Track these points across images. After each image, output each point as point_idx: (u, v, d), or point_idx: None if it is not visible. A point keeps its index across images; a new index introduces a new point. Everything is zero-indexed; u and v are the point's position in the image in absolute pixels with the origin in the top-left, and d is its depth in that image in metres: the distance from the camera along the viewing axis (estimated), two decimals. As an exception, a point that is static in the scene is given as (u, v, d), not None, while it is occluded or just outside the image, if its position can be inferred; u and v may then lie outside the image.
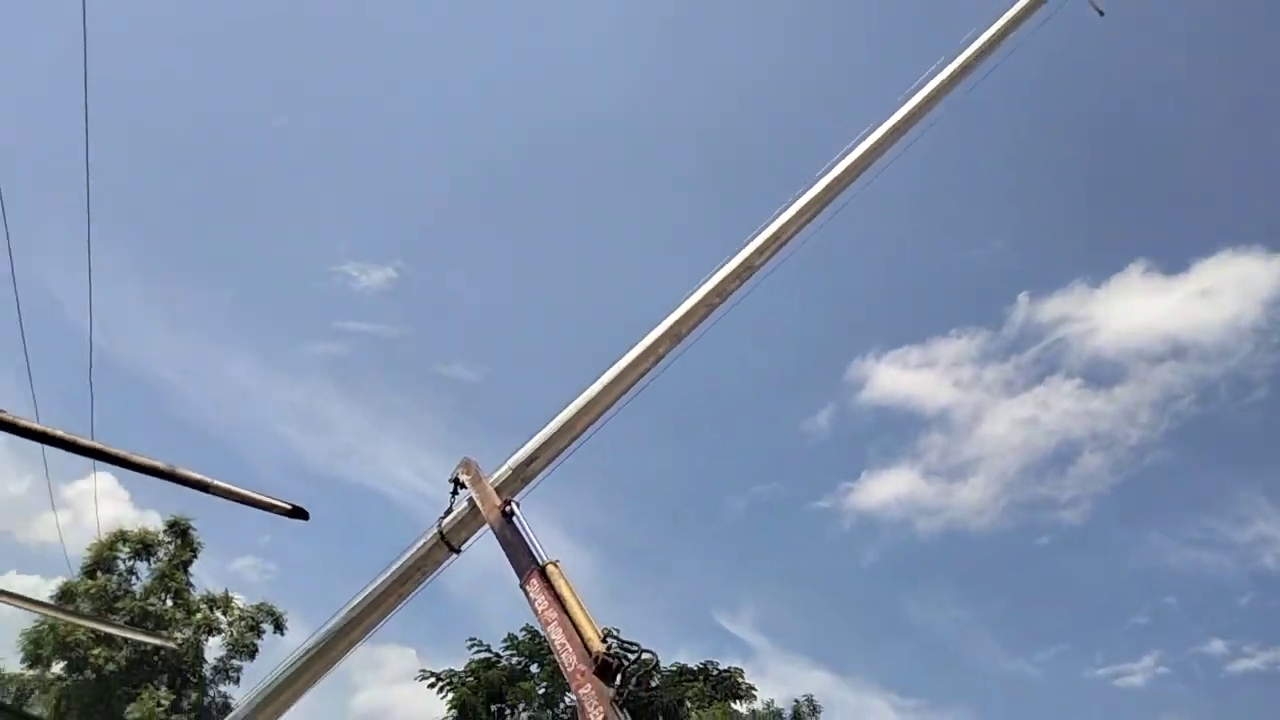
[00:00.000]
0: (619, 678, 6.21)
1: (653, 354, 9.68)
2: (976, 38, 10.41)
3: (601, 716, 5.87)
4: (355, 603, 9.58)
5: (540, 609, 7.05)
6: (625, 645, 6.38)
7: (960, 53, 10.10)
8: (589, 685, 6.15)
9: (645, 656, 6.34)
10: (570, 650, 6.51)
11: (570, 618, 6.79)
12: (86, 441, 3.36)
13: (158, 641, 16.53)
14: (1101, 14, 10.75)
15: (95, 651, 17.49)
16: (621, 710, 5.94)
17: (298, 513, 3.88)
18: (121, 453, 3.40)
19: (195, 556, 20.12)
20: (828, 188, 10.05)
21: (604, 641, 6.41)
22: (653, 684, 24.77)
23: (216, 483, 3.50)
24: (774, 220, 9.87)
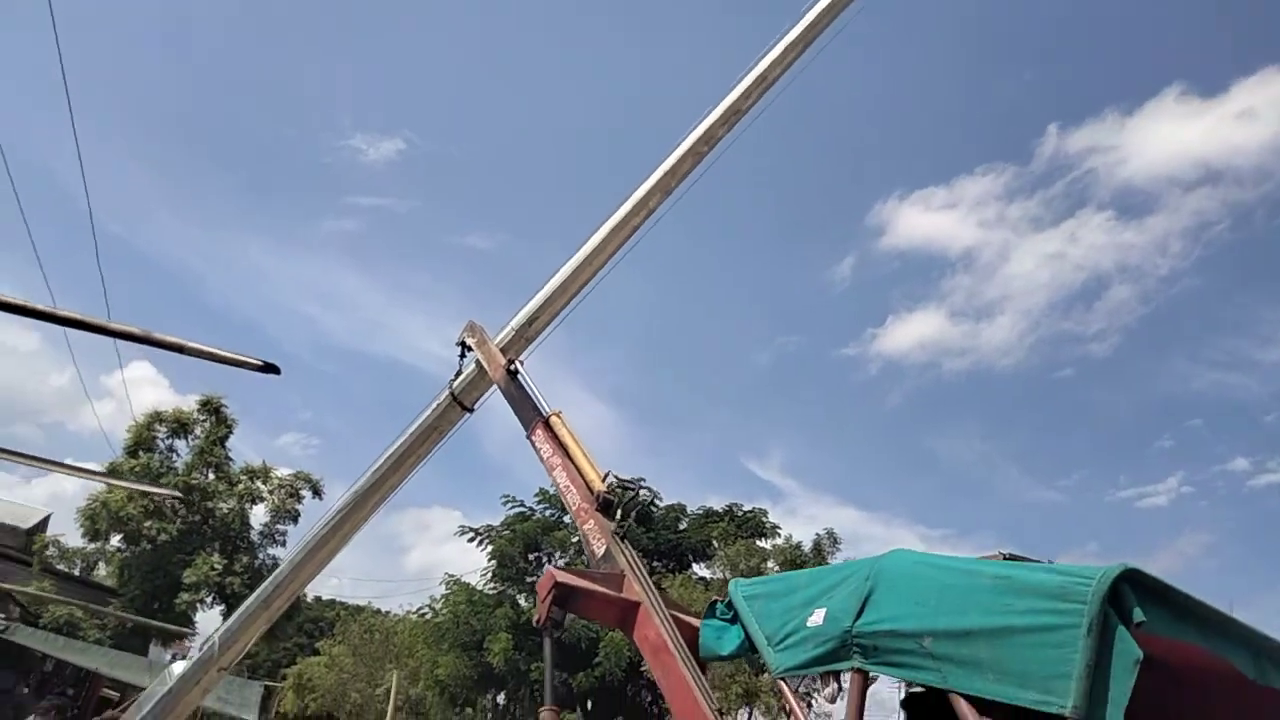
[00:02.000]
0: (619, 513, 6.62)
1: (643, 208, 9.69)
2: None
3: (604, 548, 6.30)
4: (379, 464, 10.10)
5: (545, 456, 7.43)
6: (625, 484, 6.74)
7: None
8: (592, 521, 6.57)
9: (643, 493, 6.73)
10: (574, 491, 6.91)
11: (573, 462, 7.18)
12: (62, 311, 3.58)
13: (163, 492, 17.69)
14: None
15: (147, 524, 18.59)
16: (622, 541, 6.35)
17: (269, 368, 4.13)
18: (99, 321, 3.63)
19: (230, 432, 21.01)
20: (814, 22, 9.75)
21: (604, 481, 6.79)
22: (652, 516, 25.83)
23: (190, 344, 3.73)
24: (759, 62, 9.65)
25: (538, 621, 5.77)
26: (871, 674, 3.15)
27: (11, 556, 21.64)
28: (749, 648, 3.71)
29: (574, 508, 6.90)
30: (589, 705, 24.46)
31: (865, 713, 3.17)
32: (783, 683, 3.57)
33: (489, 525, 27.38)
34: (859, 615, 3.14)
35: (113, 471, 19.11)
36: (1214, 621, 2.74)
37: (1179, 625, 2.64)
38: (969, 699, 2.80)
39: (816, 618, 3.30)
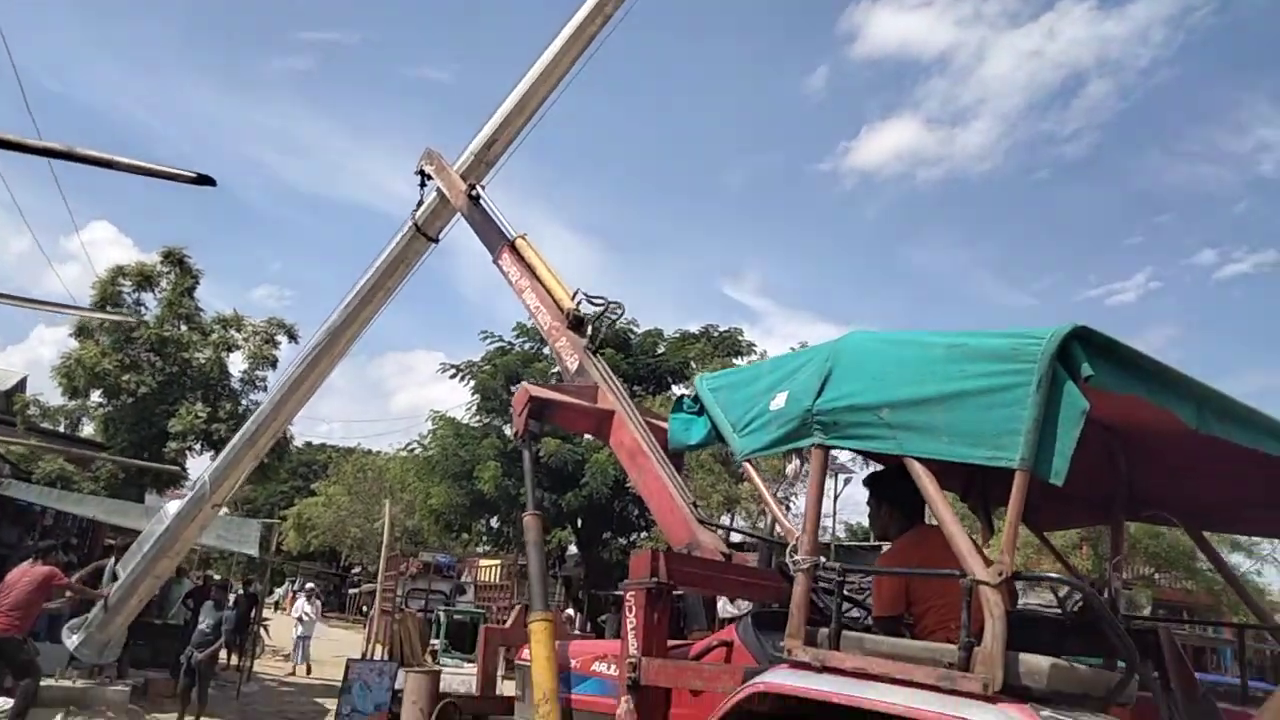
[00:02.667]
0: (589, 329, 6.68)
1: (600, 14, 9.23)
2: None
3: (576, 363, 6.39)
4: (349, 300, 10.06)
5: (513, 279, 7.41)
6: (593, 299, 6.76)
7: None
8: (564, 339, 6.64)
9: (613, 308, 6.76)
10: (544, 311, 6.94)
11: (541, 283, 7.17)
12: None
13: (123, 318, 17.91)
14: None
15: (125, 378, 18.58)
16: (595, 355, 6.44)
17: (204, 180, 4.00)
18: (14, 138, 3.46)
19: (197, 283, 20.69)
20: None
21: (573, 299, 6.80)
22: (629, 342, 26.23)
23: (119, 159, 3.57)
24: None
25: (516, 434, 5.93)
26: (832, 448, 3.27)
27: (-6, 418, 21.86)
28: (715, 436, 3.82)
29: (545, 327, 6.96)
30: (579, 523, 25.61)
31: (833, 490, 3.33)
32: (749, 465, 3.72)
33: (470, 361, 27.67)
34: (819, 394, 3.22)
35: (82, 329, 19.00)
36: (1158, 374, 2.83)
37: (1126, 379, 2.72)
38: (924, 462, 2.92)
39: (779, 401, 3.39)
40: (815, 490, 3.31)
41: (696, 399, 4.00)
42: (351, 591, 51.54)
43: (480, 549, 35.75)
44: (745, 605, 5.43)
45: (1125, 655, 2.83)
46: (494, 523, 27.94)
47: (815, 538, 3.27)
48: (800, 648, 3.05)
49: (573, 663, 4.73)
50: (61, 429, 23.29)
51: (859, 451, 4.44)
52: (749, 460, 3.65)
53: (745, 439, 3.56)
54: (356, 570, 48.40)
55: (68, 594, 10.52)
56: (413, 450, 29.21)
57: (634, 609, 3.91)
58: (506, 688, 5.92)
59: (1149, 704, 3.18)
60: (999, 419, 2.68)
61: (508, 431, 24.75)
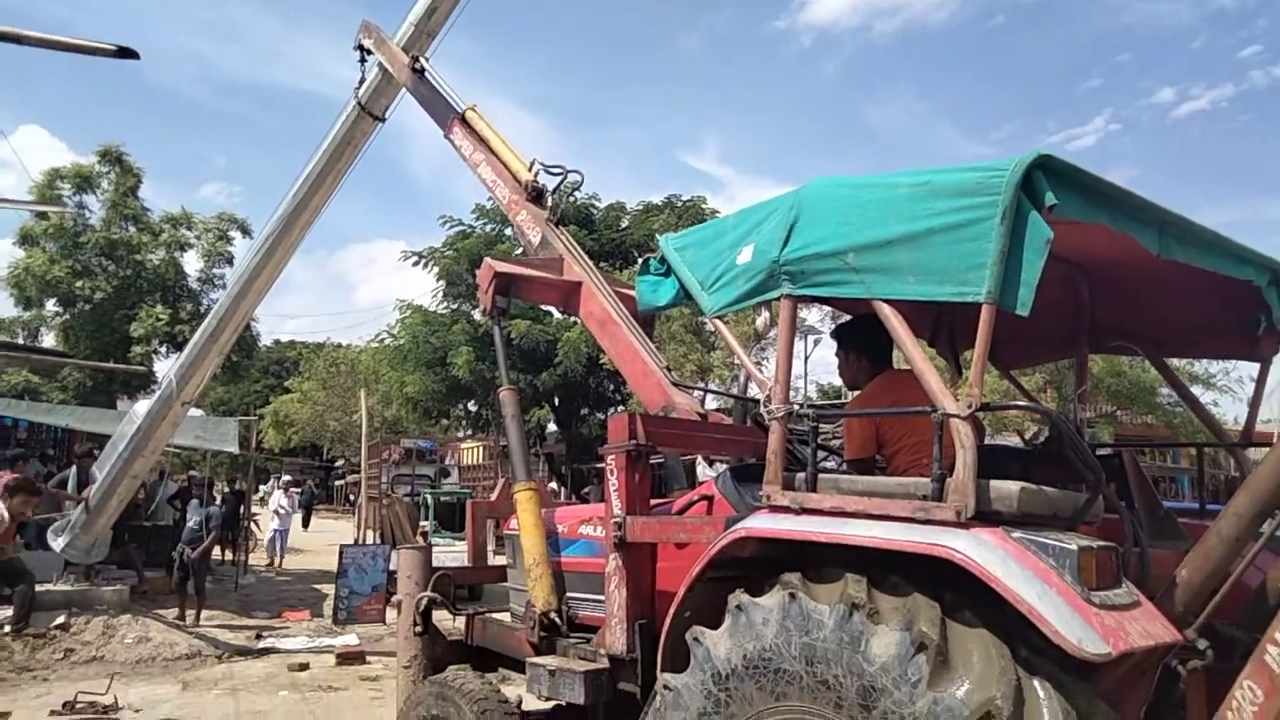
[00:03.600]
0: (550, 200, 6.53)
1: None
2: None
3: (539, 236, 6.28)
4: (298, 186, 9.79)
5: (467, 154, 7.18)
6: (550, 169, 6.59)
7: None
8: (524, 212, 6.49)
9: (572, 176, 6.60)
10: (501, 185, 6.76)
11: (496, 155, 6.96)
12: None
13: (59, 209, 17.47)
14: None
15: (79, 284, 18.14)
16: (558, 228, 6.33)
17: (126, 53, 3.77)
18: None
19: (139, 181, 19.94)
20: None
21: (530, 170, 6.62)
22: (593, 218, 25.93)
23: (29, 34, 3.35)
24: None
25: (484, 311, 5.87)
26: (800, 297, 3.26)
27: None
28: (684, 296, 3.80)
29: (504, 201, 6.78)
30: (556, 402, 25.87)
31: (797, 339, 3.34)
32: (719, 322, 3.72)
33: (432, 248, 27.17)
34: (785, 245, 3.19)
35: (26, 237, 18.39)
36: (1121, 200, 2.82)
37: (1089, 206, 2.71)
38: (891, 304, 2.93)
39: (745, 255, 3.36)
40: (785, 342, 3.33)
41: (663, 260, 3.96)
42: (337, 483, 52.27)
43: (461, 433, 36.11)
44: (723, 469, 5.55)
45: (1090, 475, 2.92)
46: (471, 406, 28.13)
47: (787, 387, 3.31)
48: (779, 492, 3.12)
49: (560, 528, 4.84)
50: (20, 341, 22.88)
51: (826, 300, 4.46)
52: (719, 317, 3.65)
53: (714, 295, 3.55)
54: (340, 462, 48.92)
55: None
56: (383, 341, 29.08)
57: (615, 471, 3.97)
58: (497, 562, 6.07)
59: (1114, 523, 3.32)
60: (964, 254, 2.67)
61: (477, 316, 24.64)
